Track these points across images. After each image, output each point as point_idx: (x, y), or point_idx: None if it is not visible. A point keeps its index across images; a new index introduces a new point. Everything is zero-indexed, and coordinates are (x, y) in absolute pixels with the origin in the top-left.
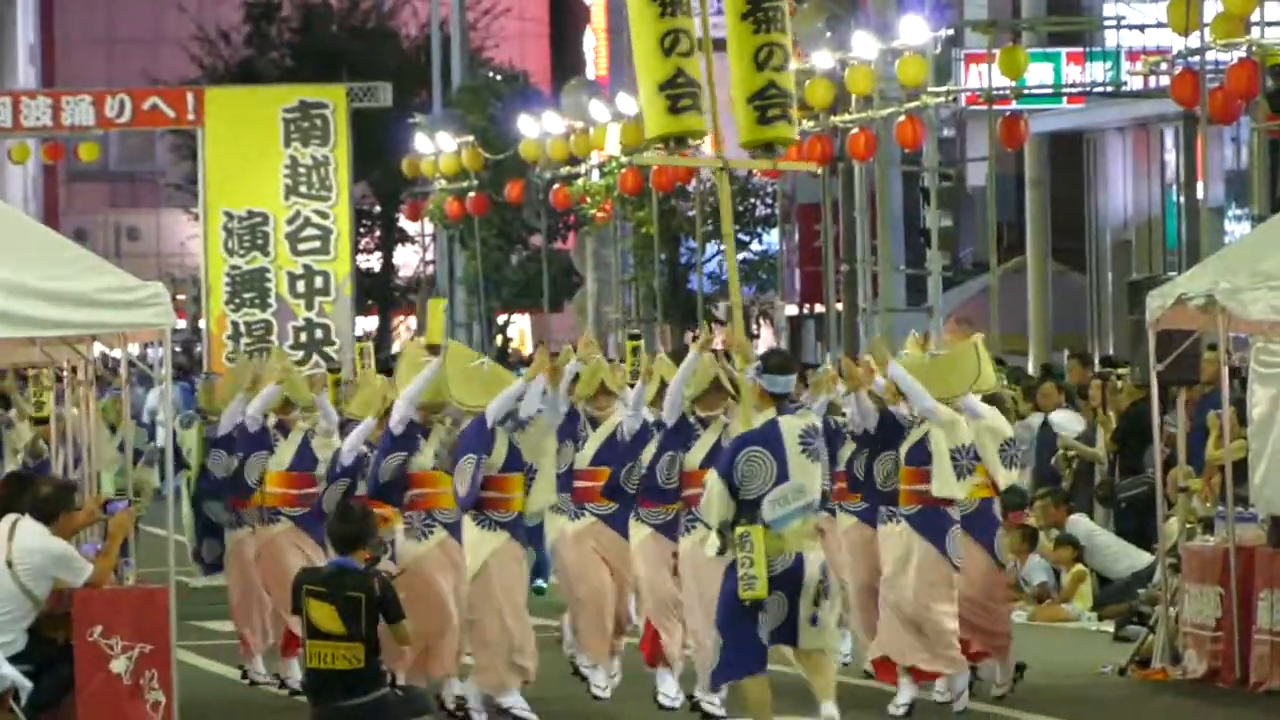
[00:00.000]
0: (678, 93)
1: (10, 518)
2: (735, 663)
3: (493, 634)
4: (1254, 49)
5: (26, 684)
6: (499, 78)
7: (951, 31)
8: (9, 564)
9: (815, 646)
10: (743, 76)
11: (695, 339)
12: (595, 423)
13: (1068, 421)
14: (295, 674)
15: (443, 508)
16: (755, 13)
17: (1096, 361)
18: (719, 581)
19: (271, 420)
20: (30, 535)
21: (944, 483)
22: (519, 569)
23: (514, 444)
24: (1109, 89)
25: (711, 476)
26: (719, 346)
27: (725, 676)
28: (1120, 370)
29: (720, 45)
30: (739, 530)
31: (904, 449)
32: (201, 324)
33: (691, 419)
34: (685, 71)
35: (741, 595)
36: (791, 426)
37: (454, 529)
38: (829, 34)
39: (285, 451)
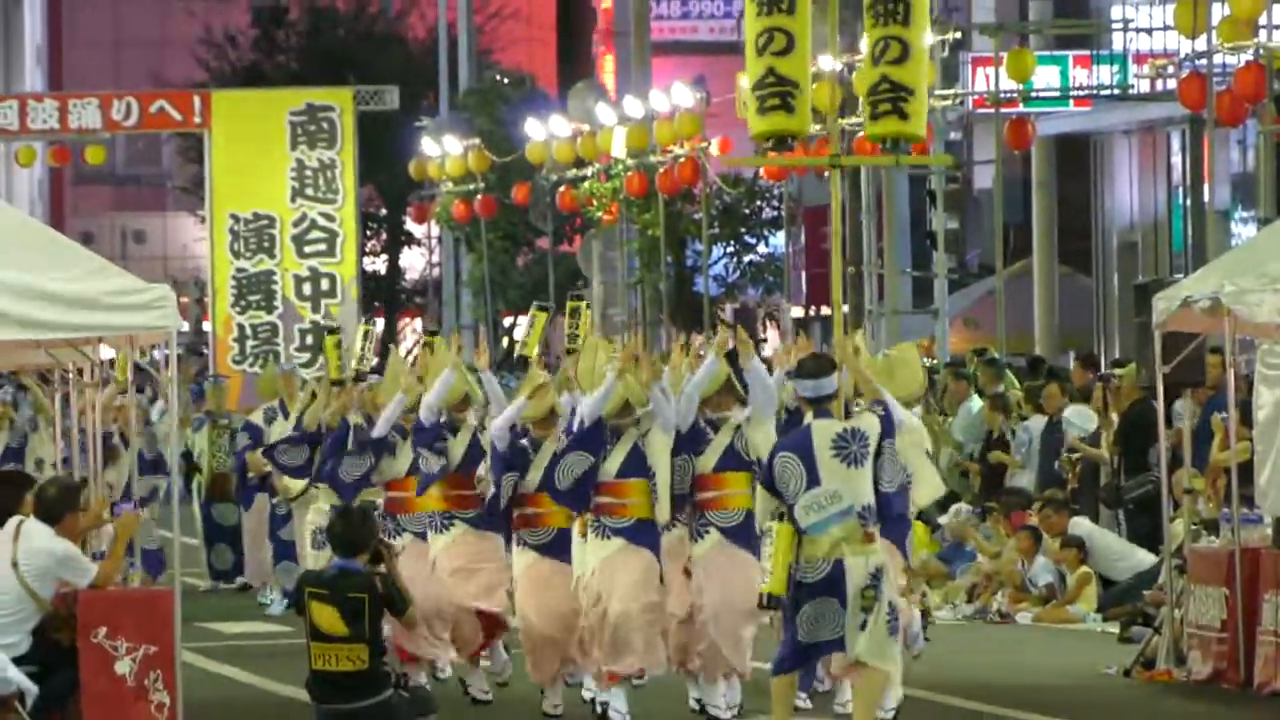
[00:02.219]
0: (765, 93)
1: (15, 519)
2: (780, 657)
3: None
4: (1261, 52)
5: (33, 688)
6: (506, 81)
7: (959, 35)
8: (14, 565)
9: (862, 655)
10: (864, 72)
11: (707, 340)
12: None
13: (1080, 419)
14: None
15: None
16: (877, 6)
17: (1104, 364)
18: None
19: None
20: (36, 536)
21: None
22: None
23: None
24: (1116, 92)
25: (758, 485)
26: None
27: (775, 669)
28: (1119, 371)
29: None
30: (766, 525)
31: None
32: (206, 326)
33: (702, 423)
34: (777, 71)
35: (759, 588)
36: (824, 430)
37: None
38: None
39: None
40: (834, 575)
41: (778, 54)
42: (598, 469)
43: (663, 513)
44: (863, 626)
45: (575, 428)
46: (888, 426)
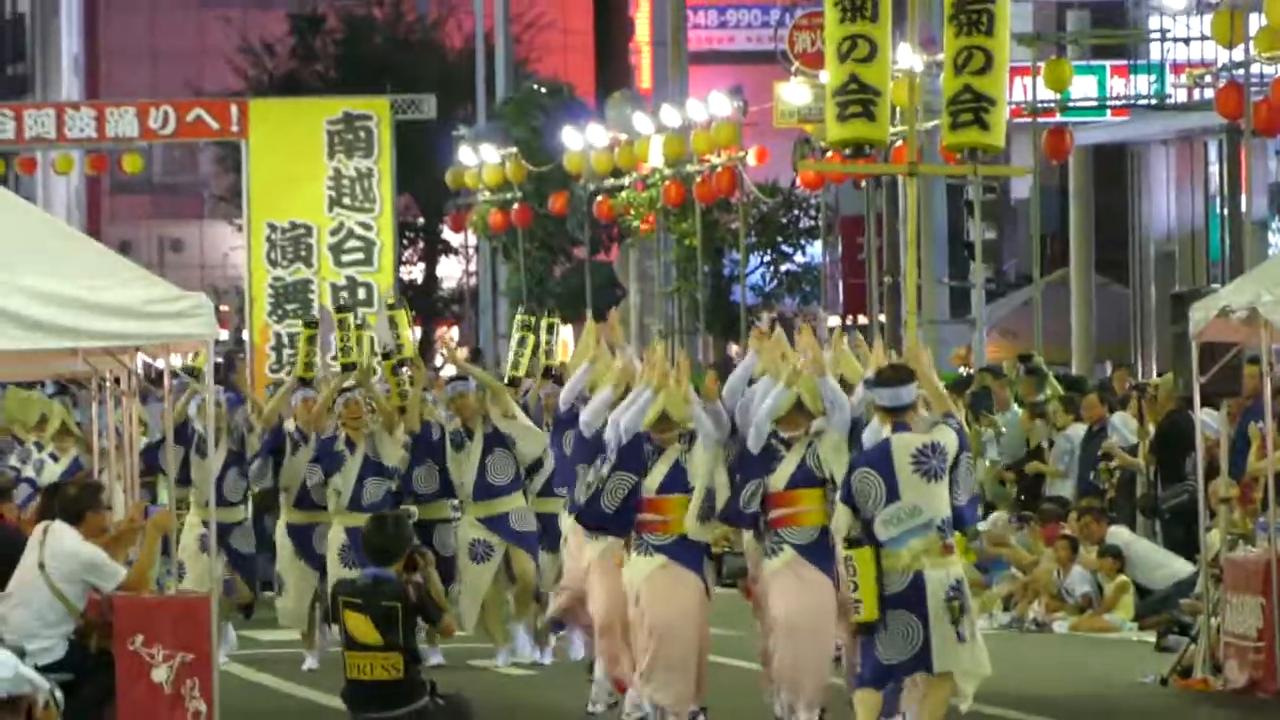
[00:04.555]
0: (847, 99)
1: (43, 523)
2: (861, 675)
3: None
4: None
5: (44, 684)
6: (543, 90)
7: None
8: (41, 566)
9: (961, 668)
10: (945, 81)
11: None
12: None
13: (1126, 427)
14: None
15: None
16: (960, 15)
17: (1140, 373)
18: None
19: None
20: (62, 539)
21: None
22: None
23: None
24: (1153, 102)
25: (837, 500)
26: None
27: (857, 684)
28: (1155, 381)
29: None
30: (844, 553)
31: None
32: (245, 335)
33: (774, 441)
34: (859, 78)
35: (851, 619)
36: (904, 445)
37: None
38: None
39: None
40: (914, 588)
41: (860, 61)
42: (640, 487)
43: (691, 527)
44: (960, 639)
45: (613, 446)
46: (963, 440)
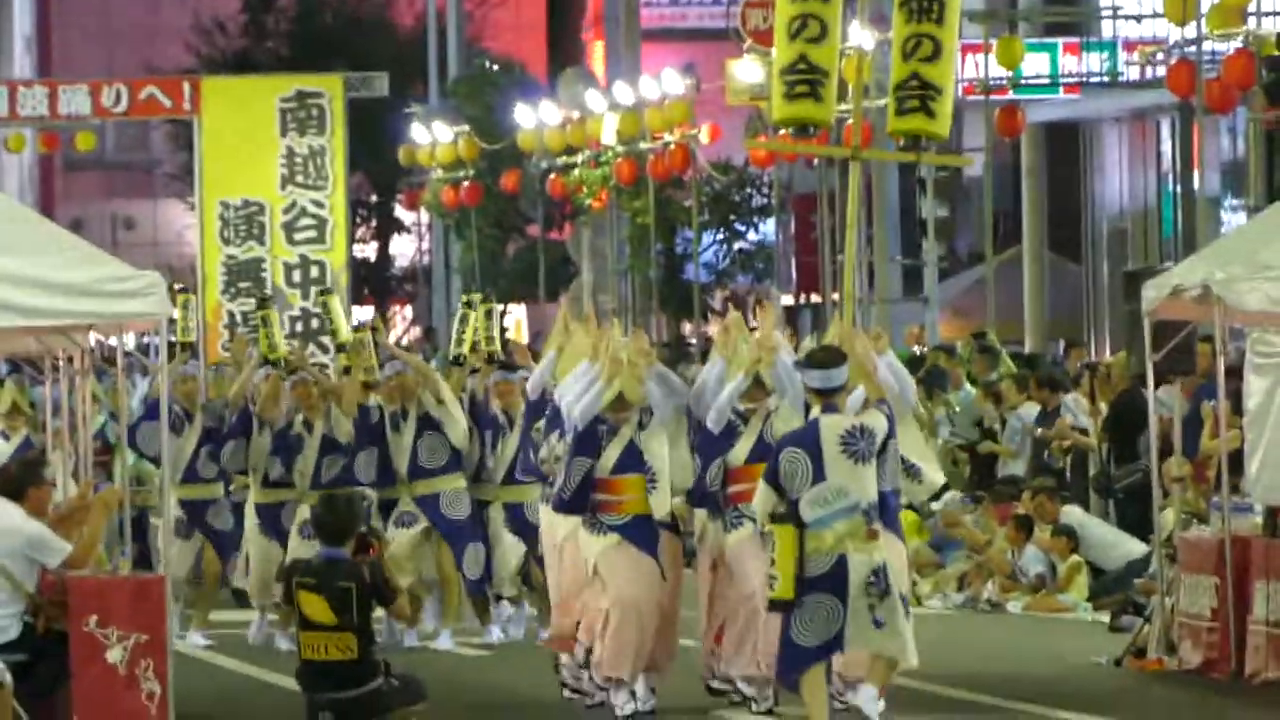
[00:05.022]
0: (795, 79)
1: None
2: (784, 661)
3: None
4: (1250, 39)
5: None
6: (495, 68)
7: None
8: None
9: (873, 650)
10: (893, 66)
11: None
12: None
13: (1078, 408)
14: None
15: None
16: (910, 2)
17: (1093, 351)
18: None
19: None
20: (6, 516)
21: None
22: None
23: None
24: (1105, 79)
25: (760, 479)
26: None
27: (780, 676)
28: (1108, 360)
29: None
30: (765, 529)
31: None
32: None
33: (733, 416)
34: (808, 58)
35: (766, 594)
36: (833, 426)
37: None
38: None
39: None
40: (837, 571)
41: (810, 40)
42: (594, 469)
43: (661, 506)
44: (878, 625)
45: (569, 430)
46: (892, 426)
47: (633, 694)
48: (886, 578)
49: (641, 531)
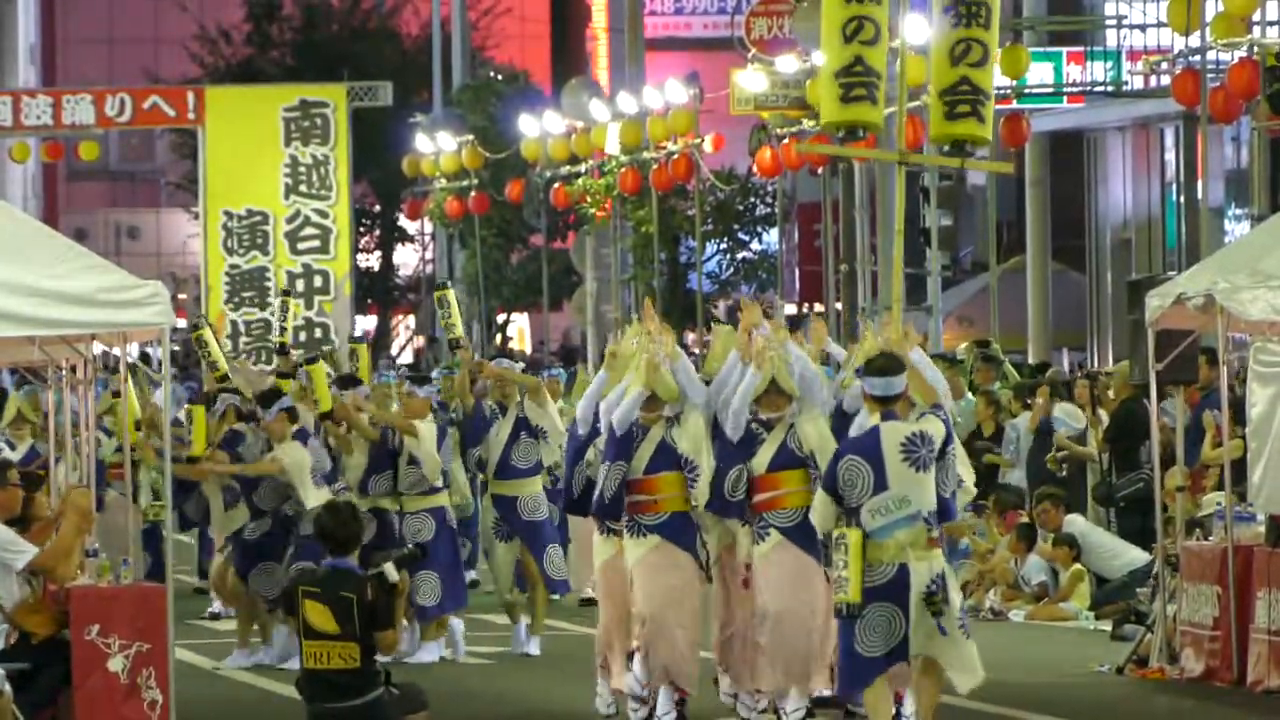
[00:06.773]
0: (852, 80)
1: None
2: (847, 674)
3: None
4: (1255, 48)
5: None
6: (499, 77)
7: None
8: None
9: (934, 654)
10: (937, 70)
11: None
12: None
13: (1070, 417)
14: None
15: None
16: (958, 6)
17: (1096, 359)
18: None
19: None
20: None
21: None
22: None
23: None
24: (1110, 88)
25: (818, 489)
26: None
27: (843, 690)
28: (1109, 369)
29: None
30: (836, 532)
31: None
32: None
33: (754, 425)
34: (865, 60)
35: (834, 597)
36: (893, 434)
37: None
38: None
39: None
40: (898, 580)
41: (865, 43)
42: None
43: (703, 495)
44: (943, 632)
45: (604, 434)
46: (949, 431)
47: (652, 711)
48: (945, 586)
49: (681, 528)
